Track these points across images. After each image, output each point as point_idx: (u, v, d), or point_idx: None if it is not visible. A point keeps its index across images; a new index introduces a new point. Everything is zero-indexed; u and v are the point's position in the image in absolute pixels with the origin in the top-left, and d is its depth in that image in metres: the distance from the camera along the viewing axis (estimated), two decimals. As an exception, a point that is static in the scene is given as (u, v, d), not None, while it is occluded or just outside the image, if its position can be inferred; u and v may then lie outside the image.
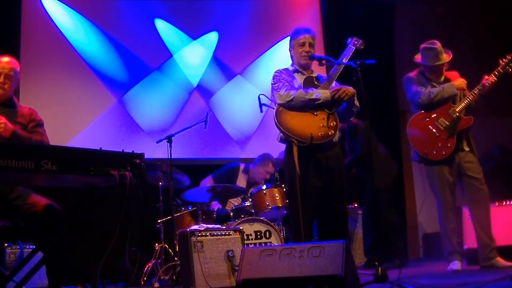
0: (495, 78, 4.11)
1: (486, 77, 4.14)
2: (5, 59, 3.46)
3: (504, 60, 4.16)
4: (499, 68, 4.14)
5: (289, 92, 3.53)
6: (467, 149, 4.16)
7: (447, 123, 4.13)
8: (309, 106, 3.52)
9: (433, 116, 4.20)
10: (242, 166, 5.59)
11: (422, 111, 4.26)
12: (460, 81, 4.22)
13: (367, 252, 5.40)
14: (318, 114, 3.52)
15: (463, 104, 4.14)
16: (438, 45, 4.23)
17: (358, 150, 5.32)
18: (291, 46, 3.82)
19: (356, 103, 3.64)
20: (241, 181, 5.51)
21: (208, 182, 5.37)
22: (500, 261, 4.01)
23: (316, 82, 3.69)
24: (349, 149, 5.40)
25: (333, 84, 3.69)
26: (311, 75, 3.77)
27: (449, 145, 4.11)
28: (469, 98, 4.14)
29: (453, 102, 4.20)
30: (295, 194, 3.45)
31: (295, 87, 3.64)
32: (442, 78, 4.31)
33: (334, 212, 3.58)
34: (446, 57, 4.27)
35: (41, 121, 3.44)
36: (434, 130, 4.16)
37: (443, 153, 4.12)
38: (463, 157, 4.15)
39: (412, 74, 4.39)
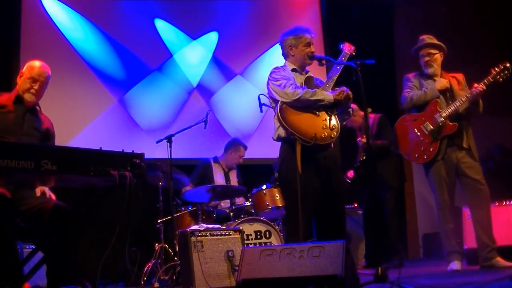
0: (484, 87, 4.05)
1: (476, 85, 4.09)
2: (38, 63, 3.38)
3: (496, 69, 4.08)
4: (489, 77, 4.07)
5: (296, 91, 3.49)
6: (465, 146, 4.15)
7: (432, 127, 4.13)
8: (313, 106, 3.51)
9: (419, 119, 4.22)
10: (211, 160, 5.62)
11: (411, 113, 4.29)
12: (442, 83, 4.16)
13: (368, 257, 5.40)
14: (320, 114, 3.51)
15: (449, 110, 4.09)
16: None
17: (390, 141, 5.29)
18: (292, 44, 3.71)
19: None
20: (218, 173, 5.54)
21: (189, 187, 5.30)
22: (500, 261, 4.00)
23: (314, 82, 3.69)
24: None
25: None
26: (310, 75, 3.75)
27: (431, 150, 4.11)
28: (456, 104, 4.09)
29: (441, 106, 4.16)
30: (295, 194, 3.41)
31: (298, 86, 3.63)
32: (439, 77, 4.28)
33: (332, 213, 3.57)
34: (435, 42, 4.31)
35: (54, 134, 3.48)
36: (419, 134, 4.18)
37: (425, 157, 4.13)
38: (461, 157, 4.13)
39: (411, 75, 4.40)
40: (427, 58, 4.28)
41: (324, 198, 3.55)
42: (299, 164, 3.42)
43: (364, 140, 5.17)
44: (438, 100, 4.16)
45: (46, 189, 3.16)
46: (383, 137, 5.31)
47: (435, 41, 4.34)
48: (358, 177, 5.37)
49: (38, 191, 3.13)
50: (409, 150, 4.23)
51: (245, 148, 5.63)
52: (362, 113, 5.09)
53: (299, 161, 3.42)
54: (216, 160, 5.62)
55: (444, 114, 4.11)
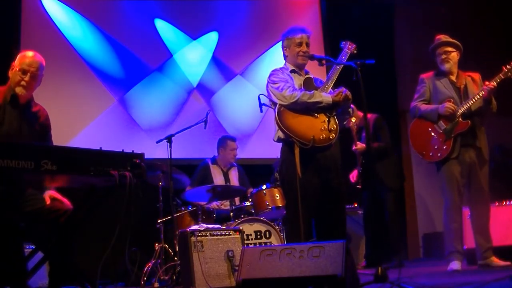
0: (495, 84, 4.09)
1: (487, 82, 4.13)
2: (29, 53, 3.13)
3: (507, 66, 4.13)
4: (500, 74, 4.12)
5: (293, 94, 3.50)
6: (478, 145, 4.16)
7: (446, 126, 4.16)
8: (311, 108, 3.51)
9: None
10: (209, 161, 5.61)
11: None
12: (446, 108, 4.16)
13: (368, 257, 5.39)
14: (319, 116, 3.51)
15: (463, 109, 4.14)
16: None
17: (386, 142, 5.30)
18: (286, 46, 3.75)
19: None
20: (217, 174, 5.52)
21: (189, 188, 5.29)
22: (495, 260, 4.03)
23: (314, 84, 3.68)
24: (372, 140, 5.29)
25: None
26: (309, 75, 3.75)
27: (445, 148, 4.14)
28: (469, 103, 4.13)
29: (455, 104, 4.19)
30: (295, 195, 3.42)
31: (296, 87, 3.63)
32: (455, 75, 4.30)
33: (332, 212, 3.57)
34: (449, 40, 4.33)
35: (50, 125, 3.35)
36: (433, 133, 4.21)
37: (439, 155, 4.16)
38: (474, 157, 4.16)
39: (425, 75, 4.40)
40: (443, 56, 4.30)
41: (324, 198, 3.54)
42: (298, 168, 3.43)
43: (358, 147, 5.20)
44: (451, 99, 4.19)
45: (57, 195, 3.08)
46: (380, 138, 5.31)
47: (451, 40, 4.36)
48: (358, 179, 5.36)
49: (47, 198, 3.04)
50: (423, 149, 4.26)
51: (233, 139, 5.61)
52: (360, 113, 5.07)
53: (298, 165, 3.43)
54: (214, 161, 5.62)
55: (458, 113, 4.14)
